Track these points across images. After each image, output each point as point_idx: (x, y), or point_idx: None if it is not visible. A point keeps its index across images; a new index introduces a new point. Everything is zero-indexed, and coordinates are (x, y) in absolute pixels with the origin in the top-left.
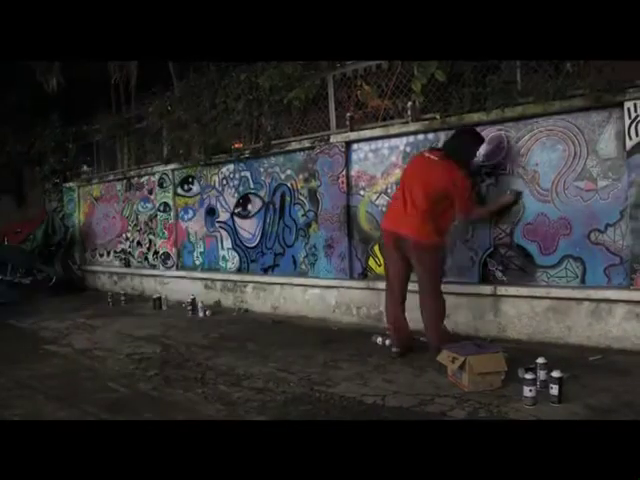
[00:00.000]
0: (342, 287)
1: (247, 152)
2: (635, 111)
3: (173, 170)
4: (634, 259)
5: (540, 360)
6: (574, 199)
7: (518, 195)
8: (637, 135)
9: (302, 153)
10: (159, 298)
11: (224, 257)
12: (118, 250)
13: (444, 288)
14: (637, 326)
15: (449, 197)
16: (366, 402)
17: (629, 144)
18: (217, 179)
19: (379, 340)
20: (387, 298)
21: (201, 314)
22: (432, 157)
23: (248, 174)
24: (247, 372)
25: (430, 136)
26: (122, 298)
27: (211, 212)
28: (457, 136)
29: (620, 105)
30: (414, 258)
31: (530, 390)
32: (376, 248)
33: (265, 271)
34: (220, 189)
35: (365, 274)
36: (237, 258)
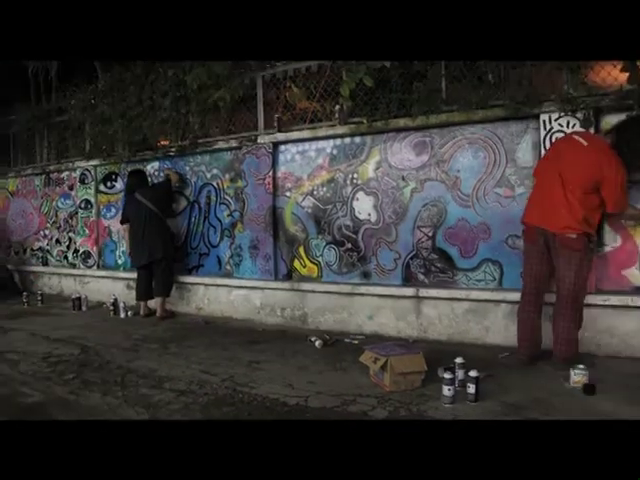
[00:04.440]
0: (267, 288)
1: (173, 150)
2: (550, 123)
3: (95, 166)
4: None
5: (458, 360)
6: (493, 205)
7: None
8: (551, 146)
9: (229, 153)
10: (79, 298)
11: None
12: (35, 248)
13: (369, 290)
14: (549, 326)
15: (600, 187)
16: (289, 403)
17: (544, 154)
18: None
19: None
20: (522, 308)
21: (123, 315)
22: (581, 140)
23: None
24: (169, 374)
25: (357, 139)
26: (39, 298)
27: None
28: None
29: (537, 117)
30: (562, 257)
31: (449, 389)
32: (301, 249)
33: (189, 271)
34: None
35: (290, 275)
36: None
